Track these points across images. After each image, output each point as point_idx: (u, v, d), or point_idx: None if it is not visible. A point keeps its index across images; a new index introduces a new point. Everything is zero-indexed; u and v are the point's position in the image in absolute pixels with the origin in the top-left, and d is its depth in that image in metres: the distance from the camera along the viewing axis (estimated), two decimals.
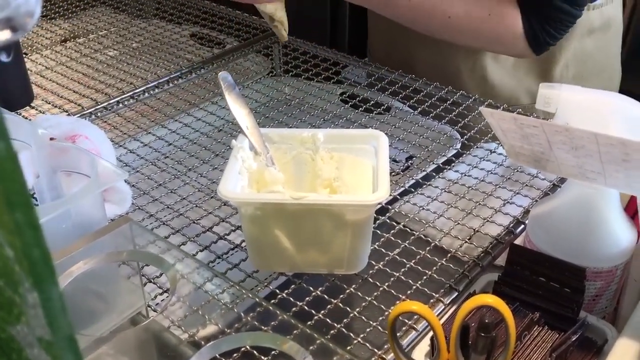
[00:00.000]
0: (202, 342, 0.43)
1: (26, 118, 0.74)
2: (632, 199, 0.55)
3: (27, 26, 0.16)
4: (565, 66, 0.87)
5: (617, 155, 0.42)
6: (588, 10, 0.85)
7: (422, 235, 0.59)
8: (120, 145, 0.73)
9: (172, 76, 0.86)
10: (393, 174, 0.72)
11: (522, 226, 0.60)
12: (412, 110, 0.80)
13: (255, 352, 0.43)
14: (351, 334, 0.48)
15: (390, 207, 0.63)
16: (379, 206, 0.62)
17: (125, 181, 0.62)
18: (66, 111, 0.77)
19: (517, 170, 0.68)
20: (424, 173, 0.69)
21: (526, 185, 0.65)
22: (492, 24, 0.76)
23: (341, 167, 0.56)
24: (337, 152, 0.56)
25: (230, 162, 0.52)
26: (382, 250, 0.57)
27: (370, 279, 0.53)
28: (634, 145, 0.40)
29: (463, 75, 0.89)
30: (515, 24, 0.76)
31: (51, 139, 0.47)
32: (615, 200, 0.48)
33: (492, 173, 0.67)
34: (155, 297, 0.52)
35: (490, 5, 0.76)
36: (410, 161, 0.74)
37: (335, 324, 0.49)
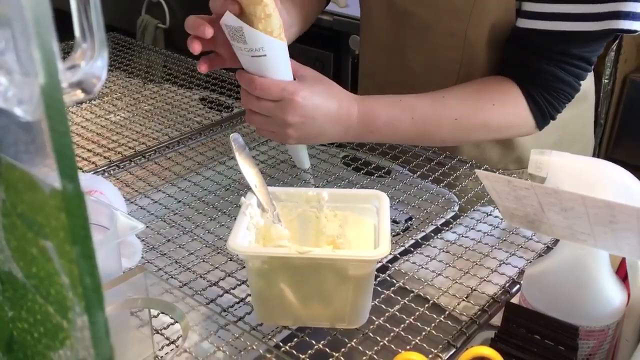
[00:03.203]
0: None
1: None
2: (623, 261, 0.57)
3: (95, 88, 0.20)
4: (547, 133, 0.92)
5: (604, 217, 0.45)
6: None
7: (420, 293, 0.61)
8: (131, 202, 0.76)
9: (182, 137, 0.90)
10: (393, 234, 0.74)
11: (518, 286, 0.62)
12: (411, 174, 0.83)
13: None
14: None
15: (390, 265, 0.65)
16: (380, 264, 0.65)
17: (136, 235, 0.64)
18: (80, 168, 0.80)
19: (513, 233, 0.70)
20: (423, 233, 0.71)
21: (521, 246, 0.68)
22: (499, 111, 0.78)
23: (344, 225, 0.58)
24: (341, 211, 0.59)
25: (239, 218, 0.55)
26: (383, 306, 0.59)
27: (371, 334, 0.55)
28: (620, 207, 0.43)
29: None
30: (520, 104, 0.78)
31: None
32: (605, 261, 0.51)
33: (488, 235, 0.70)
34: (162, 347, 0.53)
35: (492, 94, 0.78)
36: (409, 222, 0.77)
37: None
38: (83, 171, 0.80)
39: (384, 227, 0.54)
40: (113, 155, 0.85)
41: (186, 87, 1.09)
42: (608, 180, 0.51)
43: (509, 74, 0.79)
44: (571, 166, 0.52)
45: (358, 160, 0.85)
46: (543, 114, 0.79)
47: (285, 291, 0.53)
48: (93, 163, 0.82)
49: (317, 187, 0.78)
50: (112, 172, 0.81)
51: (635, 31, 0.72)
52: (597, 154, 1.49)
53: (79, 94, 0.19)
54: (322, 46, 1.94)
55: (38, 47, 0.16)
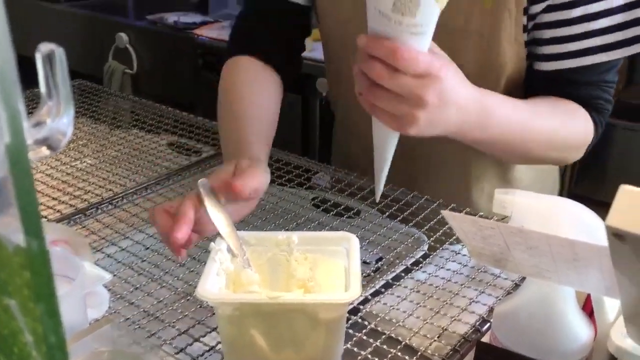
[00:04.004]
0: None
1: None
2: (589, 297, 0.58)
3: (61, 144, 0.20)
4: (526, 169, 0.94)
5: (567, 255, 0.46)
6: None
7: (392, 335, 0.61)
8: (98, 250, 0.74)
9: (150, 183, 0.89)
10: (364, 275, 0.74)
11: (488, 324, 0.62)
12: (380, 214, 0.84)
13: None
14: None
15: (361, 307, 0.65)
16: (351, 306, 0.64)
17: (103, 285, 0.63)
18: (46, 217, 0.79)
19: (482, 271, 0.71)
20: (394, 274, 0.72)
21: (490, 284, 0.68)
22: (580, 128, 0.78)
23: (315, 268, 0.58)
24: (311, 254, 0.59)
25: (209, 263, 0.55)
26: (355, 350, 0.58)
27: None
28: (582, 245, 0.44)
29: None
30: (590, 126, 0.78)
31: None
32: (571, 297, 0.52)
33: (458, 273, 0.71)
34: None
35: (573, 112, 0.78)
36: (380, 262, 0.77)
37: None
38: (48, 220, 0.78)
39: (354, 269, 0.54)
40: (79, 202, 0.83)
41: (154, 132, 1.09)
42: (570, 218, 0.52)
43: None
44: (534, 205, 0.53)
45: (327, 202, 0.86)
46: (597, 134, 0.80)
47: (256, 337, 0.52)
48: (59, 211, 0.81)
49: (287, 230, 0.78)
50: (78, 220, 0.80)
51: None
52: (560, 189, 1.53)
53: (45, 151, 0.19)
54: (290, 89, 1.96)
55: (3, 105, 0.16)
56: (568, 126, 0.78)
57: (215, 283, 0.54)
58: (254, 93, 0.83)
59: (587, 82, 0.79)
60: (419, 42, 0.55)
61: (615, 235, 0.32)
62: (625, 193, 0.32)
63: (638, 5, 0.73)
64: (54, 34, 2.55)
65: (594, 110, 0.80)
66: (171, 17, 2.25)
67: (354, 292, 0.51)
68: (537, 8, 0.77)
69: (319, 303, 0.51)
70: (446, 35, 0.80)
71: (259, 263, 0.59)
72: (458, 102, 0.61)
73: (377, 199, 0.69)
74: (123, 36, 2.28)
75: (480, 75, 0.81)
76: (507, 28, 0.77)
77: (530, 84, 0.83)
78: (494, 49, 0.79)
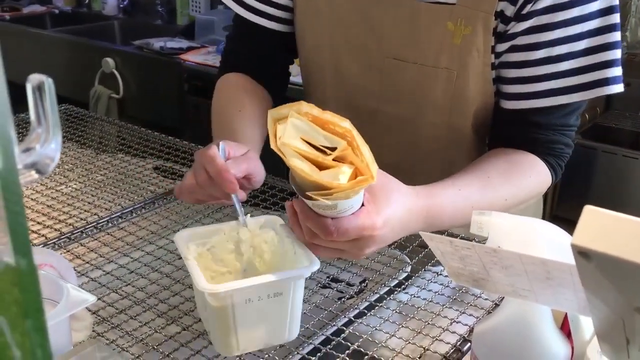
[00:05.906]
0: None
1: None
2: (566, 317, 0.59)
3: (49, 168, 0.21)
4: None
5: (541, 274, 0.47)
6: None
7: (375, 355, 0.62)
8: (83, 274, 0.75)
9: (135, 207, 0.90)
10: (347, 297, 0.75)
11: (469, 344, 0.63)
12: None
13: None
14: None
15: (345, 328, 0.66)
16: (334, 328, 0.65)
17: (87, 308, 0.63)
18: (30, 241, 0.79)
19: (463, 291, 0.72)
20: (377, 295, 0.72)
21: (471, 304, 0.70)
22: (535, 182, 0.81)
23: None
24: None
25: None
26: None
27: None
28: (554, 264, 0.46)
29: None
30: (545, 173, 0.82)
31: None
32: (547, 316, 0.53)
33: (439, 294, 0.72)
34: None
35: (524, 167, 0.81)
36: (363, 284, 0.78)
37: None
38: (33, 244, 0.78)
39: (269, 276, 0.57)
40: (64, 227, 0.84)
41: (140, 157, 1.10)
42: (546, 239, 0.54)
43: (523, 148, 0.82)
44: (509, 225, 0.54)
45: None
46: (556, 178, 0.84)
47: (197, 293, 0.62)
48: (43, 236, 0.81)
49: None
50: (62, 244, 0.80)
51: (618, 92, 0.77)
52: (543, 212, 1.55)
53: (34, 175, 0.20)
54: None
55: None
56: (521, 188, 0.80)
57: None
58: (246, 97, 0.89)
59: (548, 126, 0.81)
60: (348, 213, 0.59)
61: (581, 254, 0.34)
62: (590, 213, 0.34)
63: (599, 50, 0.76)
64: (41, 60, 2.57)
65: (552, 156, 0.83)
66: (157, 43, 2.28)
67: (224, 287, 0.54)
68: (502, 47, 0.79)
69: (193, 277, 0.56)
70: (417, 70, 0.83)
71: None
72: (397, 232, 0.65)
73: None
74: (109, 61, 2.29)
75: (450, 108, 0.84)
76: (475, 64, 0.80)
77: (494, 122, 0.86)
78: (463, 85, 0.81)
